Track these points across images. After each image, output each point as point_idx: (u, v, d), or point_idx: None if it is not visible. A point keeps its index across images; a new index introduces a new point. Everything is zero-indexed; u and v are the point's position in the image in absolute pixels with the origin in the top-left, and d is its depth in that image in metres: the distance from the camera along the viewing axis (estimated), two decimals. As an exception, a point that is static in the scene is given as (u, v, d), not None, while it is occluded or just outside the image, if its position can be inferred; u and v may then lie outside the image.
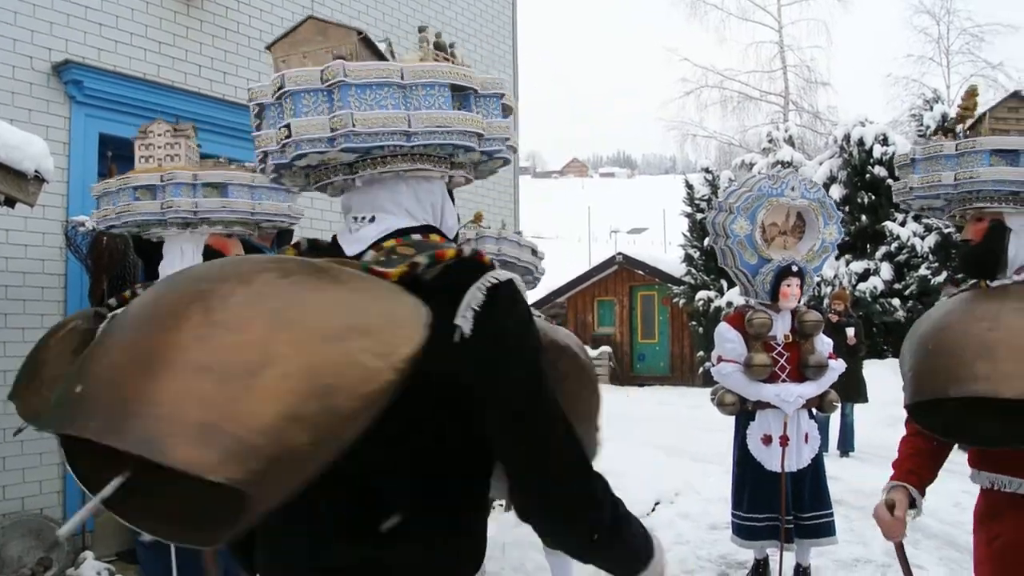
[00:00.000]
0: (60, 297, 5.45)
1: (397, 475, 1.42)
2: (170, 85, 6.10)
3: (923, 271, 15.92)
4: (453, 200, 1.75)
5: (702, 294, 18.55)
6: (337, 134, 1.51)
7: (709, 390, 5.20)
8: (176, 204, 2.76)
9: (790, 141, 20.61)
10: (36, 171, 3.83)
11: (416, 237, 1.55)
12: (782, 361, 4.76)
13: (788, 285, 4.78)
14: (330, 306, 1.28)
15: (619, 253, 22.99)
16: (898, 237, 16.59)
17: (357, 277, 1.36)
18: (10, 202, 3.89)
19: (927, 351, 2.29)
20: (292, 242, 1.83)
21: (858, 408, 9.98)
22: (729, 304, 15.41)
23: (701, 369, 17.41)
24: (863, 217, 17.16)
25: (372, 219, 1.60)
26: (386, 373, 1.22)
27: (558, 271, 20.88)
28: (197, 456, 1.07)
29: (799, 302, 4.89)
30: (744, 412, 4.81)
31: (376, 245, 1.55)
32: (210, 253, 2.91)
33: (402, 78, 1.54)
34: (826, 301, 11.06)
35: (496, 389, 1.41)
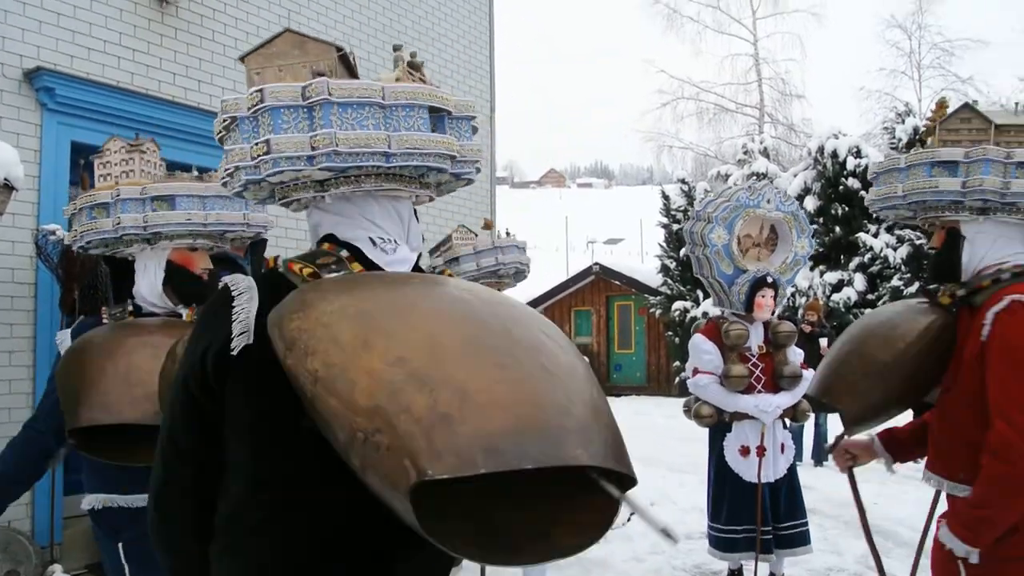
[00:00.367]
0: (30, 306, 5.37)
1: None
2: (144, 93, 6.06)
3: (896, 282, 16.10)
4: (417, 217, 1.76)
5: (678, 304, 18.65)
6: (318, 153, 1.50)
7: (683, 401, 5.22)
8: (125, 220, 2.71)
9: (765, 153, 20.81)
10: (5, 179, 3.78)
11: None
12: (757, 372, 4.79)
13: (763, 296, 4.81)
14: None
15: (596, 263, 23.06)
16: (871, 248, 16.78)
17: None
18: (-21, 210, 3.84)
19: (829, 353, 2.89)
20: (267, 255, 1.82)
21: (832, 418, 10.05)
22: (705, 314, 15.49)
23: (677, 379, 17.49)
24: (837, 228, 17.34)
25: (396, 242, 1.65)
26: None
27: (535, 281, 20.87)
28: (626, 462, 1.24)
29: (772, 313, 4.93)
30: (721, 424, 4.83)
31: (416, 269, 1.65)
32: (172, 268, 2.84)
33: (383, 98, 1.54)
34: (800, 312, 11.15)
35: None
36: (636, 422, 14.70)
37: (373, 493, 1.17)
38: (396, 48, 1.71)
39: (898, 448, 2.84)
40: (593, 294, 22.40)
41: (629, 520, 6.89)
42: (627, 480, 1.22)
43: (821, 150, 17.88)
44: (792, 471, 4.88)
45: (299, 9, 7.38)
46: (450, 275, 1.70)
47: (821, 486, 8.18)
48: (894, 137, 17.72)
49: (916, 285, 15.19)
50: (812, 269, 17.14)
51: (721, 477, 4.84)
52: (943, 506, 2.60)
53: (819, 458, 10.06)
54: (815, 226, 16.67)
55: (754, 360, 4.81)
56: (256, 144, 1.54)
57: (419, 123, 1.56)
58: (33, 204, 5.37)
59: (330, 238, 1.64)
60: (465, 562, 1.55)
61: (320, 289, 1.40)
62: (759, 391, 4.76)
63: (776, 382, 4.81)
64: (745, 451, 4.75)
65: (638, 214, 47.67)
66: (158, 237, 2.78)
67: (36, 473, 2.76)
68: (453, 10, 9.38)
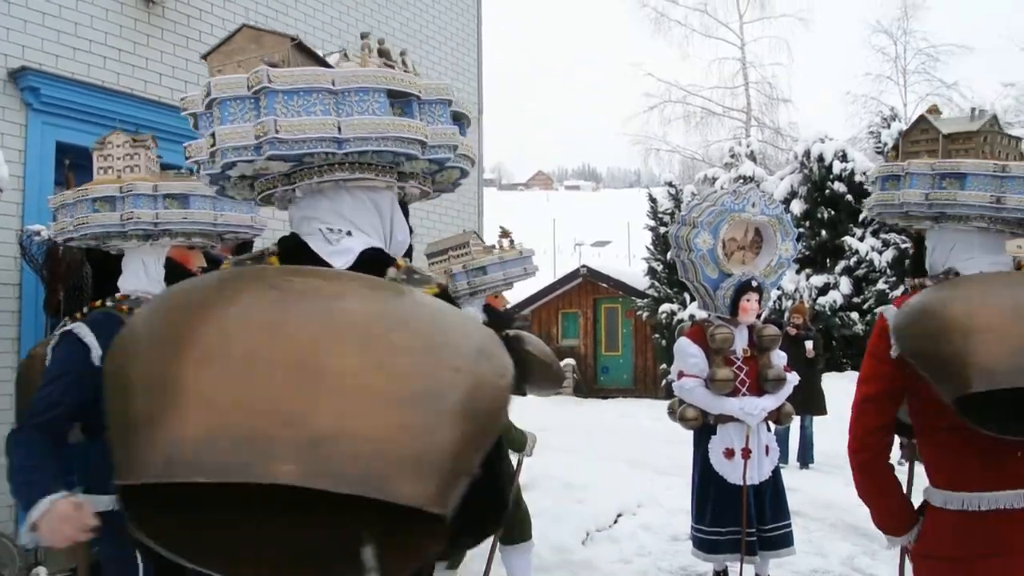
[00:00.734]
0: (14, 307, 5.34)
1: None
2: (130, 93, 6.03)
3: (881, 285, 16.20)
4: (407, 213, 1.73)
5: (665, 307, 18.70)
6: (262, 141, 1.47)
7: (667, 404, 5.23)
8: (137, 215, 2.71)
9: (752, 156, 20.92)
10: (-10, 179, 3.76)
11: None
12: (742, 375, 4.81)
13: (748, 300, 4.83)
14: (458, 329, 1.31)
15: (583, 266, 23.09)
16: (857, 252, 16.88)
17: (436, 300, 1.41)
18: (-38, 210, 3.81)
19: (1006, 330, 2.04)
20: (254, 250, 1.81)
21: (817, 420, 10.11)
22: (691, 317, 15.55)
23: (664, 382, 17.52)
24: (823, 232, 17.44)
25: (349, 233, 1.59)
26: (506, 392, 1.25)
27: (523, 284, 20.88)
28: (420, 491, 1.04)
29: (758, 317, 4.96)
30: (705, 426, 4.85)
31: (362, 260, 1.57)
32: (171, 265, 2.87)
33: (333, 84, 1.49)
34: (786, 315, 11.21)
35: None
36: (622, 424, 14.74)
37: None
38: (363, 36, 1.68)
39: None
40: (580, 296, 22.43)
41: (616, 522, 6.90)
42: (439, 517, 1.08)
43: (807, 154, 17.98)
44: (776, 473, 4.90)
45: (286, 10, 7.37)
46: (398, 264, 1.64)
47: (806, 488, 8.23)
48: (880, 141, 17.85)
49: (901, 289, 15.29)
50: (798, 272, 17.23)
51: (705, 479, 4.86)
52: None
53: (804, 460, 10.11)
54: (801, 230, 16.79)
55: (739, 363, 4.83)
56: (207, 136, 1.54)
57: (374, 107, 1.51)
58: (17, 204, 5.33)
59: (285, 237, 1.65)
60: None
61: (165, 291, 1.50)
62: (744, 394, 4.78)
63: (761, 385, 4.83)
64: (730, 453, 4.77)
65: (625, 217, 47.76)
66: (163, 234, 2.79)
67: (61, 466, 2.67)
68: (441, 12, 9.39)
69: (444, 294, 1.49)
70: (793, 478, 8.24)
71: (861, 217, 17.00)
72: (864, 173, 17.13)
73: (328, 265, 1.55)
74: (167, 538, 1.13)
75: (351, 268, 1.55)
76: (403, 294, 1.38)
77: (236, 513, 1.17)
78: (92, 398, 2.62)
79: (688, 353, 4.89)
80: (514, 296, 21.73)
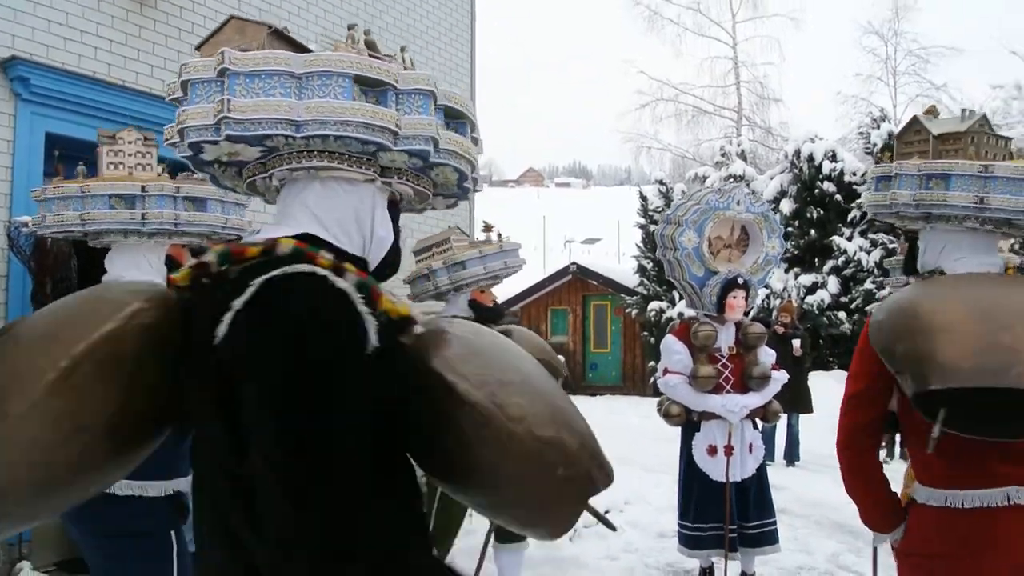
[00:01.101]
0: (1, 299, 5.31)
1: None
2: (121, 85, 6.00)
3: (868, 285, 16.28)
4: (397, 216, 1.68)
5: (654, 305, 18.75)
6: (219, 119, 1.46)
7: (657, 401, 5.26)
8: (161, 216, 2.80)
9: (743, 155, 20.98)
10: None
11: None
12: (727, 372, 4.84)
13: (734, 297, 4.86)
14: (39, 316, 1.58)
15: (573, 263, 23.11)
16: (845, 251, 16.96)
17: (104, 289, 1.68)
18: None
19: (963, 329, 2.06)
20: None
21: (804, 418, 10.16)
22: (680, 315, 15.61)
23: (652, 379, 17.56)
24: (812, 231, 17.51)
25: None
26: (48, 373, 1.37)
27: (512, 280, 20.89)
28: None
29: (746, 314, 4.99)
30: (690, 423, 4.88)
31: None
32: (171, 263, 2.98)
33: (296, 67, 1.47)
34: (774, 313, 11.27)
35: (242, 393, 1.32)
36: (611, 422, 14.75)
37: None
38: (350, 27, 1.65)
39: None
40: (570, 293, 22.45)
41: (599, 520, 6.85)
42: None
43: (797, 154, 18.05)
44: (761, 471, 4.94)
45: (279, 3, 7.35)
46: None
47: (792, 486, 8.27)
48: (869, 142, 17.92)
49: (886, 290, 15.37)
50: (786, 271, 17.30)
51: (690, 476, 4.90)
52: None
53: (791, 458, 10.16)
54: (790, 229, 16.87)
55: (724, 361, 4.87)
56: (179, 115, 1.55)
57: (337, 91, 1.46)
58: (5, 196, 5.31)
59: None
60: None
61: None
62: (728, 391, 4.81)
63: (746, 382, 4.86)
64: (712, 450, 4.80)
65: (615, 214, 47.80)
66: (183, 234, 2.89)
67: None
68: (434, 7, 9.38)
69: (196, 278, 1.50)
70: (779, 476, 8.28)
71: (850, 217, 17.08)
72: (854, 173, 17.22)
73: None
74: None
75: None
76: None
77: None
78: None
79: (673, 350, 4.92)
80: (504, 292, 21.75)
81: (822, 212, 17.45)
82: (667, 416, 4.91)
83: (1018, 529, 2.20)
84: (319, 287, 1.36)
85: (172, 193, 2.83)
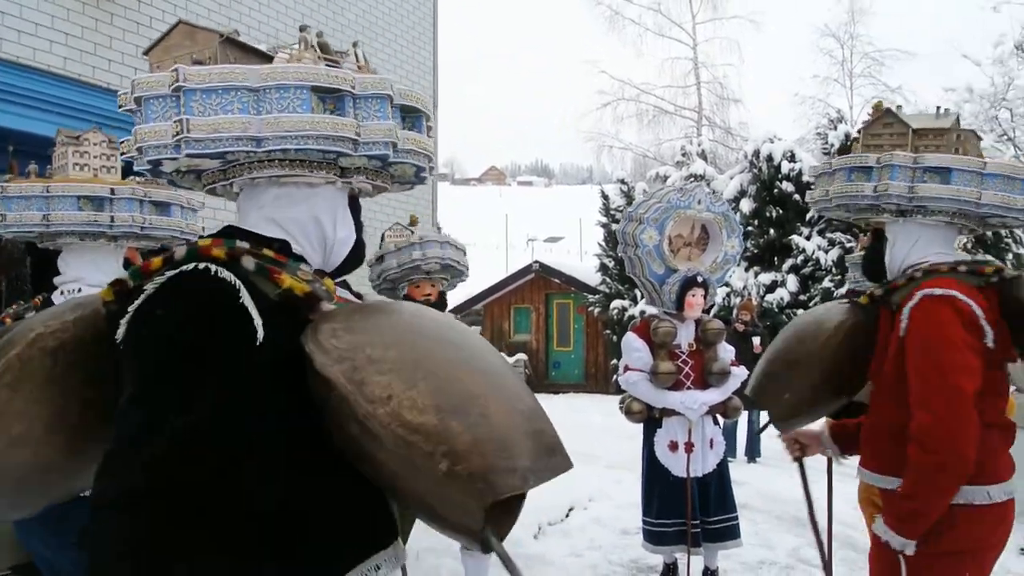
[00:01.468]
0: (-47, 297, 5.18)
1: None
2: (77, 79, 5.90)
3: (827, 283, 16.54)
4: (358, 209, 1.71)
5: (617, 303, 18.86)
6: (178, 139, 1.48)
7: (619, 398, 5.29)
8: (130, 219, 2.80)
9: (703, 155, 21.19)
10: (-71, 165, 3.65)
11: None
12: (687, 369, 4.89)
13: (693, 295, 4.91)
14: None
15: (536, 261, 23.15)
16: (804, 250, 17.22)
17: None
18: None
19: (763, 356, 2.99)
20: None
21: (764, 415, 10.27)
22: (642, 313, 15.73)
23: (615, 377, 17.66)
24: (771, 231, 17.73)
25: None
26: None
27: (475, 278, 20.83)
28: None
29: (706, 312, 5.04)
30: (651, 420, 4.92)
31: None
32: (127, 264, 2.96)
33: (253, 82, 1.48)
34: (734, 311, 11.41)
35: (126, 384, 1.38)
36: (574, 419, 14.80)
37: None
38: (302, 28, 1.65)
39: (847, 441, 2.89)
40: (532, 292, 22.49)
41: (568, 516, 6.92)
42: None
43: (757, 154, 18.27)
44: (722, 466, 5.00)
45: (232, 2, 7.25)
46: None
47: (754, 481, 8.38)
48: (827, 142, 18.21)
49: (846, 286, 15.65)
50: (747, 270, 17.51)
51: (651, 472, 4.95)
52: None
53: (752, 454, 10.29)
54: (749, 228, 17.09)
55: (683, 357, 4.92)
56: (134, 133, 1.56)
57: (295, 104, 1.48)
58: (-43, 191, 5.17)
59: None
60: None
61: None
62: (688, 387, 4.86)
63: (706, 379, 4.91)
64: (674, 446, 4.85)
65: (578, 213, 47.96)
66: (144, 238, 2.92)
67: None
68: (397, 5, 9.33)
69: (405, 299, 1.54)
70: (741, 472, 8.38)
71: (808, 216, 17.34)
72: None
73: None
74: None
75: None
76: None
77: None
78: None
79: (633, 347, 4.96)
80: (466, 291, 21.72)
81: (781, 211, 17.69)
82: (628, 413, 4.95)
83: (1012, 518, 2.41)
84: (198, 284, 1.37)
85: (140, 197, 2.85)
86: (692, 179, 17.19)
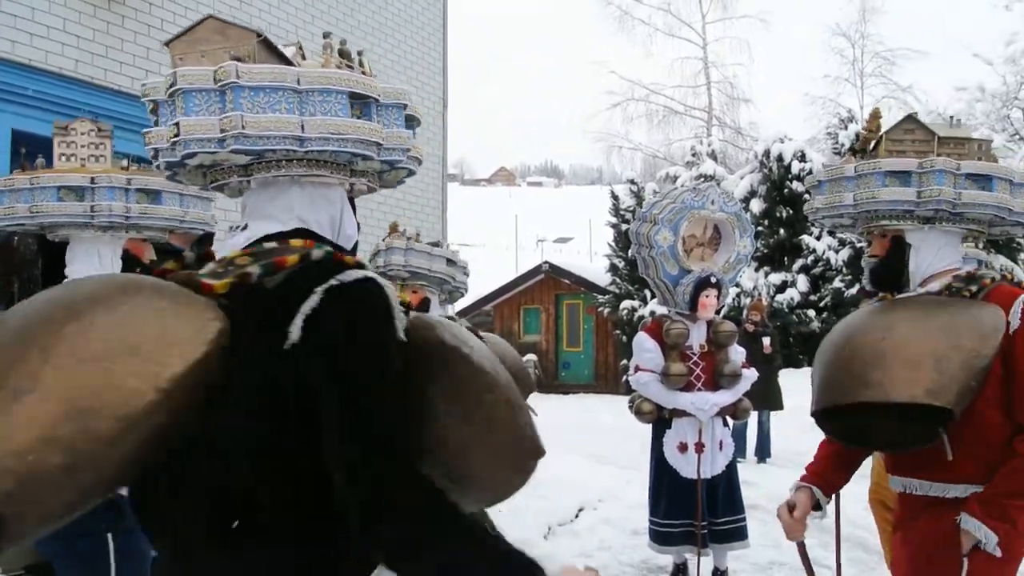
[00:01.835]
0: (-34, 298, 5.22)
1: (269, 482, 1.38)
2: (89, 81, 5.93)
3: (837, 284, 16.50)
4: (354, 208, 1.76)
5: (626, 303, 18.85)
6: (227, 135, 1.51)
7: (629, 398, 5.29)
8: (108, 208, 2.70)
9: (713, 155, 21.17)
10: (-56, 167, 3.67)
11: (269, 245, 1.53)
12: (698, 370, 4.88)
13: (707, 296, 4.91)
14: (107, 327, 1.30)
15: (545, 262, 23.16)
16: (814, 251, 17.17)
17: (156, 294, 1.39)
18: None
19: (828, 361, 2.50)
20: (210, 245, 1.83)
21: (774, 415, 10.26)
22: (652, 313, 15.71)
23: (625, 377, 17.66)
24: (781, 231, 17.70)
25: (245, 227, 1.62)
26: (148, 394, 1.26)
27: (485, 279, 20.91)
28: None
29: (717, 313, 5.03)
30: (661, 420, 4.92)
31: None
32: (128, 258, 2.86)
33: (298, 83, 1.54)
34: (744, 312, 11.39)
35: (320, 391, 1.36)
36: (584, 420, 14.81)
37: None
38: (326, 35, 1.72)
39: (830, 486, 2.75)
40: (542, 292, 22.49)
41: (577, 517, 6.93)
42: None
43: (767, 154, 18.24)
44: (731, 467, 4.99)
45: (250, 0, 7.28)
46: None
47: (764, 482, 8.35)
48: (837, 142, 18.18)
49: (857, 287, 15.59)
50: (757, 270, 17.48)
51: (660, 473, 4.94)
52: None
53: (762, 455, 10.27)
54: (760, 228, 17.04)
55: (695, 358, 4.91)
56: (171, 126, 1.56)
57: (336, 108, 1.56)
58: (-29, 193, 5.21)
59: None
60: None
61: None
62: (699, 388, 4.85)
63: (716, 380, 4.90)
64: (683, 447, 4.85)
65: (587, 214, 47.97)
66: (131, 228, 2.79)
67: None
68: (407, 5, 9.35)
69: (242, 286, 1.46)
70: (751, 472, 8.36)
71: (816, 217, 17.28)
72: (822, 173, 17.41)
73: None
74: None
75: None
76: (116, 295, 1.46)
77: None
78: None
79: (644, 348, 4.96)
80: (476, 292, 21.75)
81: (791, 212, 17.64)
82: (638, 413, 4.95)
83: None
84: (377, 287, 1.45)
85: (122, 185, 2.74)
86: (702, 179, 17.17)
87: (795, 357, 16.11)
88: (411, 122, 1.73)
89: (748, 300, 15.25)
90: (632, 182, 21.15)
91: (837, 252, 16.97)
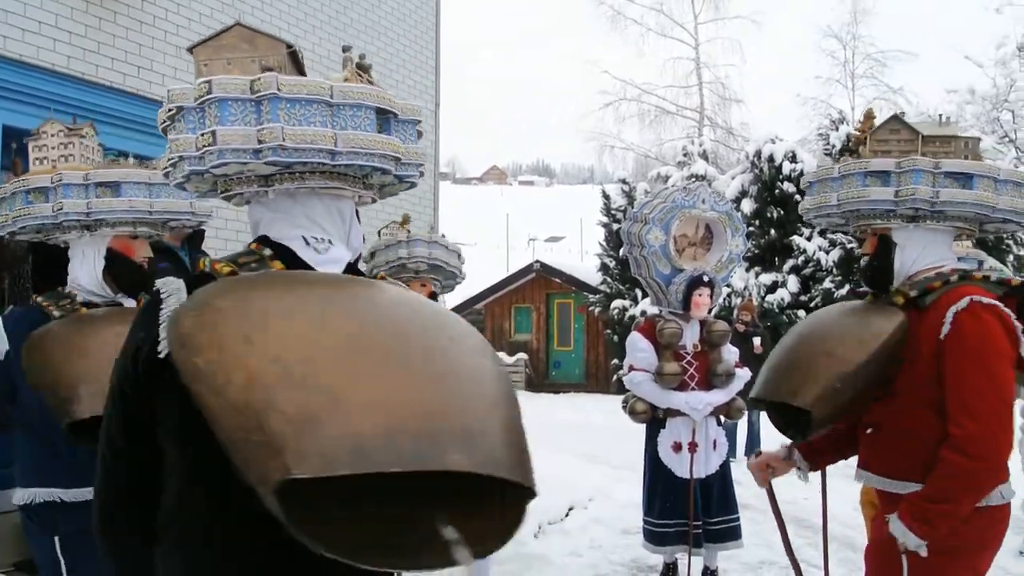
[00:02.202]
0: (-44, 295, 5.19)
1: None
2: (80, 77, 5.91)
3: (827, 284, 16.55)
4: (358, 218, 1.78)
5: (617, 303, 18.88)
6: (264, 147, 1.51)
7: (623, 398, 5.30)
8: (67, 206, 2.64)
9: (704, 155, 21.21)
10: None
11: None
12: (691, 370, 4.89)
13: (699, 295, 4.92)
14: (467, 327, 1.48)
15: (536, 261, 23.18)
16: (804, 251, 17.23)
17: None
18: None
19: (777, 354, 2.90)
20: (202, 242, 1.80)
21: (764, 415, 10.29)
22: (643, 313, 15.74)
23: (615, 377, 17.70)
24: (772, 231, 17.74)
25: (330, 242, 1.64)
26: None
27: (476, 278, 20.86)
28: (527, 473, 1.23)
29: (709, 312, 5.05)
30: (655, 420, 4.93)
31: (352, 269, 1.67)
32: (113, 256, 2.79)
33: (332, 97, 1.56)
34: (735, 311, 11.42)
35: None
36: (574, 419, 14.84)
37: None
38: (345, 49, 1.73)
39: (815, 456, 2.91)
40: (533, 291, 22.51)
41: (568, 516, 6.92)
42: (527, 491, 1.23)
43: (758, 154, 18.28)
44: (725, 467, 5.00)
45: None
46: (382, 277, 1.73)
47: (753, 481, 8.37)
48: (828, 143, 18.21)
49: (847, 287, 15.65)
50: (747, 271, 17.53)
51: (654, 472, 4.95)
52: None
53: (752, 454, 10.30)
54: (751, 228, 17.09)
55: (688, 358, 4.92)
56: (202, 135, 1.54)
57: (366, 123, 1.59)
58: (-39, 189, 5.18)
59: (262, 239, 1.64)
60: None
61: (216, 287, 1.42)
62: (693, 388, 4.86)
63: (710, 380, 4.92)
64: (677, 447, 4.85)
65: (579, 213, 47.96)
66: (100, 224, 2.72)
67: None
68: (399, 3, 9.34)
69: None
70: (741, 472, 8.37)
71: (809, 216, 17.34)
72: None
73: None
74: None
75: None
76: (430, 304, 1.55)
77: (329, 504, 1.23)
78: (5, 390, 2.62)
79: (638, 348, 4.96)
80: (467, 290, 21.74)
81: (782, 212, 17.69)
82: (632, 413, 4.95)
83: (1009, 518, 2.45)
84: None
85: (80, 181, 2.66)
86: (693, 179, 17.21)
87: (785, 357, 16.16)
88: (419, 136, 1.76)
89: (739, 300, 15.30)
90: (624, 182, 21.19)
91: (828, 253, 17.03)
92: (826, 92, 29.88)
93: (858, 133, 2.75)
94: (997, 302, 2.39)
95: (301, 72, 1.67)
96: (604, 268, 20.14)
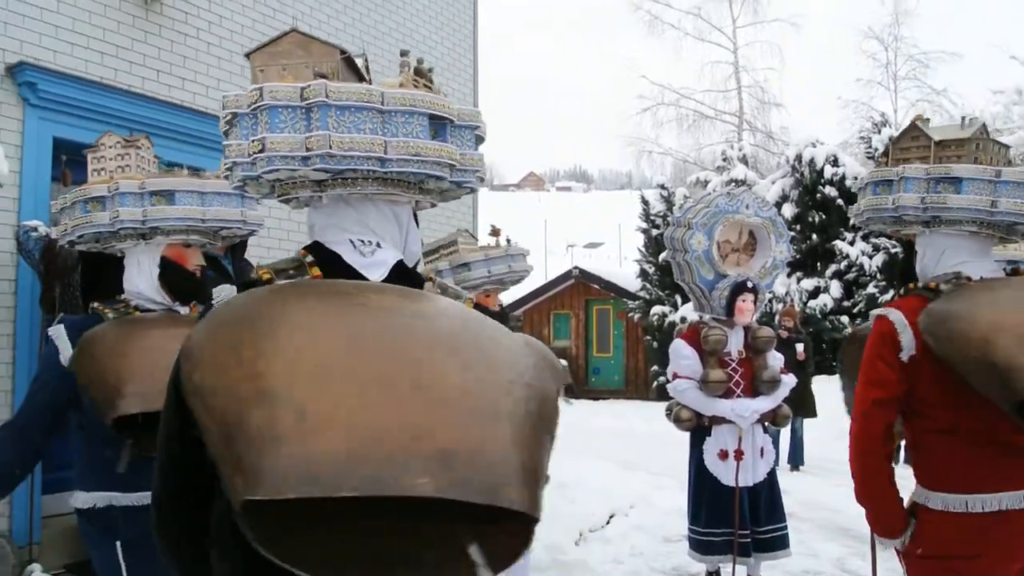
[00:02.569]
0: (11, 303, 5.32)
1: None
2: (127, 90, 6.02)
3: (871, 289, 16.30)
4: (417, 223, 1.77)
5: (657, 309, 18.76)
6: (313, 154, 1.52)
7: (663, 404, 5.25)
8: (123, 214, 2.71)
9: (744, 160, 21.03)
10: (-11, 174, 3.75)
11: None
12: (736, 377, 4.83)
13: (743, 301, 4.87)
14: (513, 343, 1.41)
15: (575, 267, 23.15)
16: (847, 256, 16.98)
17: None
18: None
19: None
20: (244, 252, 1.81)
21: (807, 422, 10.16)
22: (683, 319, 15.63)
23: (655, 383, 17.59)
24: (814, 236, 17.53)
25: (379, 245, 1.64)
26: (557, 401, 1.39)
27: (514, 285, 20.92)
28: (527, 497, 1.15)
29: (752, 318, 4.99)
30: (700, 428, 4.87)
31: (394, 273, 1.62)
32: (167, 264, 2.85)
33: (382, 103, 1.55)
34: (777, 318, 11.29)
35: None
36: (614, 426, 14.78)
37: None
38: (403, 53, 1.72)
39: None
40: (572, 298, 22.48)
41: (609, 523, 6.89)
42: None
43: (799, 158, 18.08)
44: (773, 475, 4.93)
45: (283, 8, 7.36)
46: (430, 279, 1.72)
47: (797, 490, 8.27)
48: (870, 147, 17.96)
49: (891, 293, 15.39)
50: (789, 276, 17.32)
51: (700, 480, 4.88)
52: None
53: (795, 462, 10.17)
54: (792, 233, 16.87)
55: (733, 365, 4.86)
56: (253, 141, 1.55)
57: (418, 130, 1.57)
58: (14, 200, 5.32)
59: (313, 244, 1.65)
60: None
61: (234, 298, 1.42)
62: (738, 395, 4.80)
63: (755, 386, 4.86)
64: (724, 455, 4.79)
65: (617, 219, 47.81)
66: (155, 232, 2.78)
67: (22, 473, 2.72)
68: (438, 12, 9.40)
69: (477, 309, 1.53)
70: (784, 480, 8.24)
71: (852, 221, 17.10)
72: (855, 178, 17.25)
73: (362, 277, 1.58)
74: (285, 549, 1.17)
75: (385, 281, 1.59)
76: (465, 311, 1.49)
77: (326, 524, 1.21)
78: (67, 398, 2.66)
79: (682, 355, 4.92)
80: (507, 297, 21.77)
81: (824, 216, 17.49)
82: (677, 421, 4.90)
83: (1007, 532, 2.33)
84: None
85: (135, 190, 2.73)
86: (733, 184, 17.07)
87: (828, 364, 15.93)
88: (479, 142, 1.74)
89: (780, 306, 15.13)
90: (662, 187, 21.07)
91: (871, 257, 16.77)
92: (868, 94, 29.42)
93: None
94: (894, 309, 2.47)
95: (360, 78, 1.67)
96: (643, 274, 20.03)
